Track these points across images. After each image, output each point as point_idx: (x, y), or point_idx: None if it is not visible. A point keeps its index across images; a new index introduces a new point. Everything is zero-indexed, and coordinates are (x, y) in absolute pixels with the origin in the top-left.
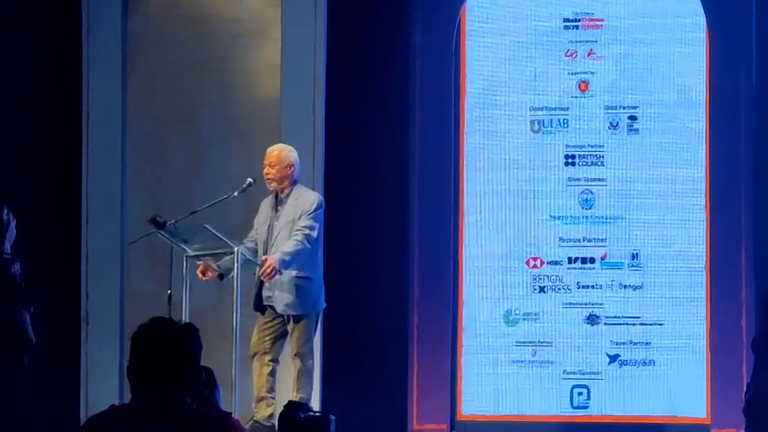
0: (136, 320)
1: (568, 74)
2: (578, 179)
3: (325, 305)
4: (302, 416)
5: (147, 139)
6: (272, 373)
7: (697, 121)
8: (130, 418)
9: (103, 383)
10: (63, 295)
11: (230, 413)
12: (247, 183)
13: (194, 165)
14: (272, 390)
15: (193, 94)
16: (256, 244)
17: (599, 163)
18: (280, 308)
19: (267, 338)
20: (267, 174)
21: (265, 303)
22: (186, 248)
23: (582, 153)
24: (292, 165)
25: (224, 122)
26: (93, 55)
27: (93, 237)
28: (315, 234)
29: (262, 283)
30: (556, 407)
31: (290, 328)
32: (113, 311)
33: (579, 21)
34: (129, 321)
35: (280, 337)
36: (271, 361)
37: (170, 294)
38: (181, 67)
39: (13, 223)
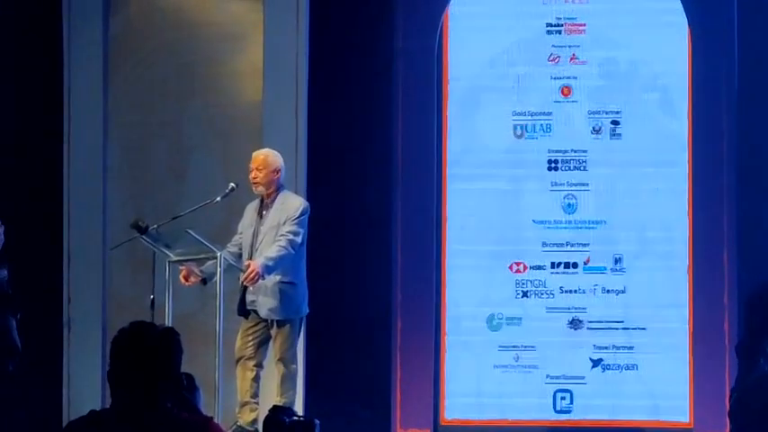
0: (118, 325)
1: (551, 78)
2: (561, 184)
3: (308, 311)
4: (287, 420)
5: (128, 143)
6: (257, 378)
7: (679, 126)
8: (110, 423)
9: (86, 387)
10: (45, 300)
11: (211, 418)
12: (230, 188)
13: (177, 169)
14: (255, 395)
15: (175, 98)
16: (240, 248)
17: (582, 167)
18: (263, 312)
19: (251, 343)
20: (255, 178)
21: (249, 308)
22: (169, 253)
23: (565, 158)
24: (279, 169)
25: (206, 126)
26: (75, 58)
27: (75, 241)
28: (299, 239)
29: (246, 287)
30: (539, 411)
31: (273, 332)
32: (96, 316)
33: (562, 26)
34: (111, 326)
35: (264, 341)
36: (255, 366)
37: (153, 299)
38: (163, 71)
39: (0, 230)
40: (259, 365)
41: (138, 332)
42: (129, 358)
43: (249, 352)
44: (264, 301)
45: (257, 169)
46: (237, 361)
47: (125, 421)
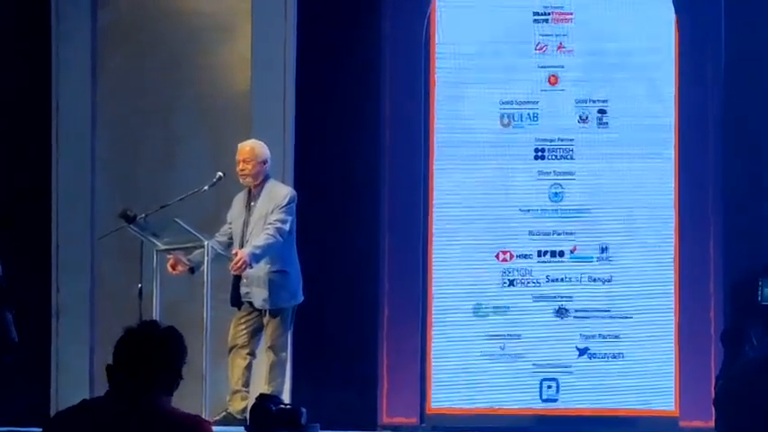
0: (106, 315)
1: (538, 67)
2: (548, 173)
3: (303, 299)
4: (273, 408)
5: (117, 132)
6: (249, 367)
7: (666, 115)
8: (101, 412)
9: (74, 377)
10: (33, 289)
11: (201, 417)
12: (217, 177)
13: (165, 158)
14: (247, 383)
15: (164, 88)
16: (229, 238)
17: (569, 156)
18: (258, 303)
19: (244, 332)
20: (243, 170)
21: (244, 300)
22: (157, 242)
23: (552, 147)
24: (266, 160)
25: (195, 116)
26: (63, 48)
27: (63, 231)
28: (287, 227)
29: (239, 278)
30: (525, 400)
31: (265, 320)
32: (84, 305)
33: (549, 14)
34: (99, 315)
35: (257, 330)
36: (248, 354)
37: (140, 288)
38: (151, 61)
39: None
40: (252, 354)
41: (141, 329)
42: (128, 354)
43: (242, 341)
44: (259, 292)
45: (244, 161)
46: (230, 350)
47: (114, 413)
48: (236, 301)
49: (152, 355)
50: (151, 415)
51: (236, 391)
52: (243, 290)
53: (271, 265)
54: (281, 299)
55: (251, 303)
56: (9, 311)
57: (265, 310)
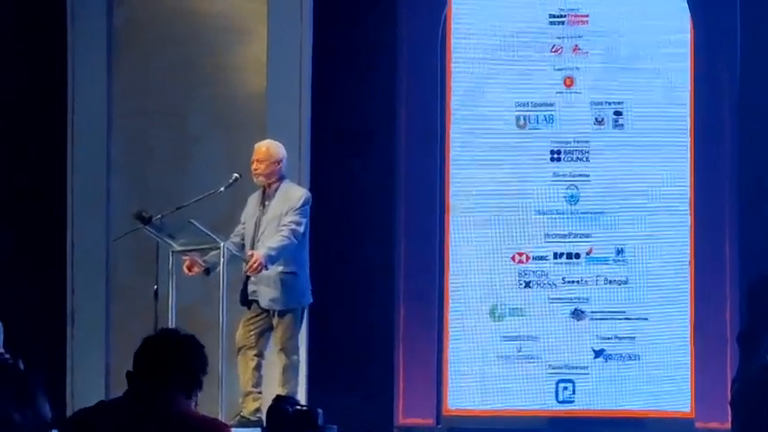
0: (122, 316)
1: (554, 69)
2: (564, 174)
3: (311, 300)
4: (290, 410)
5: (132, 134)
6: (258, 368)
7: (682, 116)
8: (117, 415)
9: (90, 378)
10: (48, 291)
11: (219, 420)
12: (233, 178)
13: (180, 160)
14: (258, 384)
15: (179, 89)
16: (243, 239)
17: (584, 158)
18: (264, 302)
19: (252, 333)
20: (256, 169)
21: (251, 298)
22: (172, 243)
23: (567, 149)
24: (280, 160)
25: (210, 117)
26: (78, 49)
27: (78, 232)
28: (301, 229)
29: (248, 277)
30: (541, 401)
31: (274, 322)
32: (99, 307)
33: (564, 16)
34: (115, 317)
35: (265, 331)
36: (256, 355)
37: (156, 290)
38: (166, 62)
39: None
40: (260, 355)
41: (160, 336)
42: (147, 359)
43: (250, 342)
44: (265, 291)
45: (258, 160)
46: (238, 351)
47: (134, 414)
48: (245, 300)
49: (169, 359)
50: (169, 417)
51: (248, 393)
52: (250, 288)
53: (282, 267)
54: (290, 300)
55: (258, 303)
56: (38, 386)
57: (274, 312)
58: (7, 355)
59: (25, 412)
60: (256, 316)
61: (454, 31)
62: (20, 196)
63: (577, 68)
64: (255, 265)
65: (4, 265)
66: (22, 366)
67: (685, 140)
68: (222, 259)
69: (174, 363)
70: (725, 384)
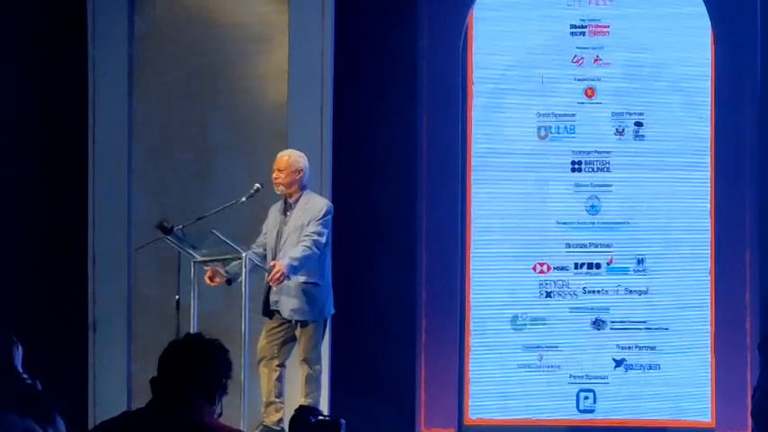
0: (143, 326)
1: (575, 80)
2: (585, 185)
3: (333, 311)
4: (313, 420)
5: (153, 143)
6: (280, 378)
7: (703, 127)
8: (141, 426)
9: (111, 388)
10: (70, 301)
11: (242, 430)
12: (255, 188)
13: (201, 169)
14: (280, 394)
15: (200, 99)
16: (265, 249)
17: (605, 169)
18: (286, 313)
19: (274, 343)
20: (276, 178)
21: (272, 308)
22: (194, 254)
23: (588, 159)
24: (301, 170)
25: (231, 127)
26: (99, 59)
27: (100, 242)
28: (323, 240)
29: (269, 287)
30: (562, 411)
31: (297, 333)
32: (121, 317)
33: (586, 27)
34: (136, 327)
35: (287, 341)
36: (278, 366)
37: (178, 300)
38: (187, 72)
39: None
40: (282, 365)
41: (184, 342)
42: (171, 365)
43: (272, 352)
44: (287, 302)
45: (279, 170)
46: (260, 361)
47: (158, 424)
48: (267, 310)
49: (194, 363)
50: (193, 428)
51: (270, 403)
52: (272, 298)
53: (305, 277)
54: (312, 311)
55: (280, 313)
56: (54, 405)
57: (296, 322)
58: (25, 376)
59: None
60: (278, 326)
61: (475, 40)
62: (42, 207)
63: (598, 79)
64: (277, 276)
65: (28, 275)
66: (39, 387)
67: (706, 150)
68: (244, 269)
69: (198, 366)
70: (745, 394)
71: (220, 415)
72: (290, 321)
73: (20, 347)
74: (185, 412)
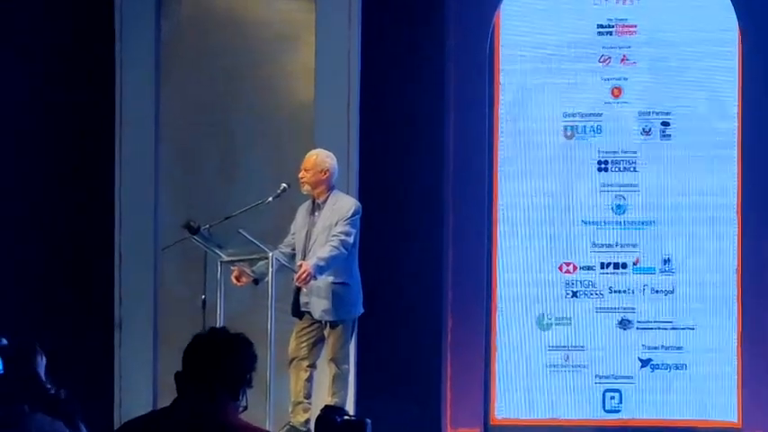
0: (170, 326)
1: (602, 79)
2: (611, 185)
3: (362, 311)
4: (338, 420)
5: (180, 143)
6: (310, 379)
7: (729, 126)
8: (166, 425)
9: (137, 388)
10: (97, 300)
11: (267, 430)
12: (282, 188)
13: (228, 169)
14: (308, 395)
15: (227, 99)
16: (293, 249)
17: (632, 169)
18: (317, 314)
19: (304, 344)
20: (302, 177)
21: (303, 309)
22: (220, 254)
23: (615, 159)
24: (327, 170)
25: (257, 127)
26: (126, 59)
27: (126, 242)
28: (351, 240)
29: (299, 288)
30: (588, 411)
31: (326, 332)
32: (147, 317)
33: (613, 27)
34: (162, 326)
35: (317, 342)
36: (308, 366)
37: (204, 300)
38: (214, 72)
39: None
40: (312, 366)
41: (208, 336)
42: (195, 359)
43: (303, 353)
44: (318, 303)
45: (305, 169)
46: (291, 361)
47: (183, 423)
48: (297, 311)
49: (219, 356)
50: (218, 427)
51: (298, 403)
52: (302, 299)
53: (333, 277)
54: (341, 311)
55: (310, 314)
56: (78, 412)
57: (326, 322)
58: (49, 385)
59: None
60: (309, 326)
61: (502, 40)
62: (69, 207)
63: (625, 79)
64: (304, 276)
65: (54, 275)
66: (63, 396)
67: (733, 150)
68: (271, 269)
69: (223, 359)
70: None
71: (245, 408)
72: (319, 322)
73: (43, 357)
74: (210, 409)
